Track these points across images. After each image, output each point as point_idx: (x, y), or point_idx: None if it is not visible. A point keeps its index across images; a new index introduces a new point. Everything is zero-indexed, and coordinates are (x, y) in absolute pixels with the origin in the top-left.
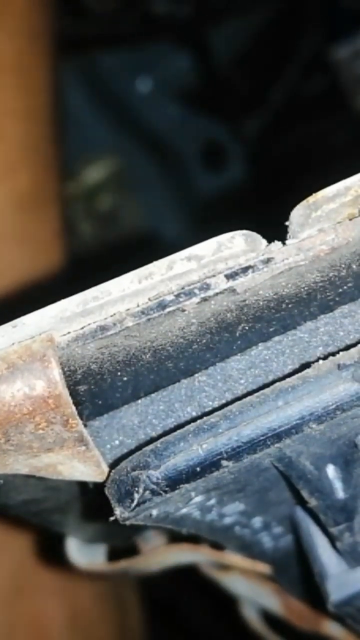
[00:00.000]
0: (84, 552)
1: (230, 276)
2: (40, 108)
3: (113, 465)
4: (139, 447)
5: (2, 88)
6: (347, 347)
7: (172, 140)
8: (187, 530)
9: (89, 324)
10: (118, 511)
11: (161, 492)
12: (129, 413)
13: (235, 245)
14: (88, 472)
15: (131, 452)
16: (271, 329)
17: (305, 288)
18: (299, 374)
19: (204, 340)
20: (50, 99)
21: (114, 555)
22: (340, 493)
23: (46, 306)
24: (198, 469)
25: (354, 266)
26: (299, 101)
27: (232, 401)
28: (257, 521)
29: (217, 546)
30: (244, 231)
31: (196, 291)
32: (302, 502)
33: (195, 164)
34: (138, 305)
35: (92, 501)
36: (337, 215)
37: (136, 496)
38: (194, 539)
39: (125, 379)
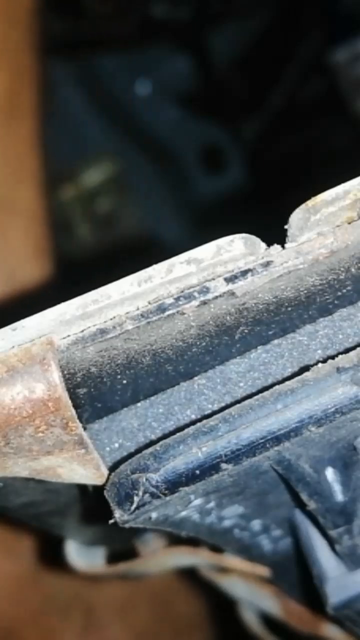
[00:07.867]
0: (84, 555)
1: (230, 279)
2: (21, 10)
3: (112, 468)
4: (138, 450)
5: None
6: (347, 350)
7: (171, 143)
8: (186, 532)
9: (88, 327)
10: (117, 514)
11: (160, 495)
12: (129, 416)
13: (235, 249)
14: (87, 475)
15: (131, 455)
16: (270, 332)
17: (305, 291)
18: (298, 377)
19: (204, 344)
20: (32, 3)
21: (113, 557)
22: (339, 496)
23: (46, 309)
24: (197, 471)
25: (353, 269)
26: (298, 104)
27: (232, 404)
28: (256, 524)
29: (216, 549)
30: (243, 234)
31: (195, 294)
32: (301, 505)
33: (194, 167)
34: (138, 309)
35: (91, 504)
36: (336, 219)
37: (136, 499)
38: (193, 542)
39: (124, 382)
